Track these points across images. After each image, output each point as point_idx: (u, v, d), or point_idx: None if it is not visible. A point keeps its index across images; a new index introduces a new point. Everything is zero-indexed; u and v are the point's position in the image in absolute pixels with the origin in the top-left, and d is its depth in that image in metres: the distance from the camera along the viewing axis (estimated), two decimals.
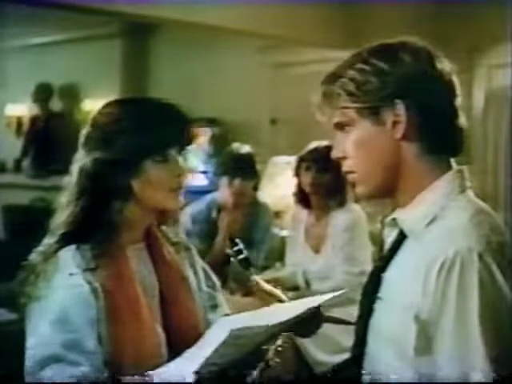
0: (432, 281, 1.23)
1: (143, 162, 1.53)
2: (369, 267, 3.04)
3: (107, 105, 1.62)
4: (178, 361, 1.51)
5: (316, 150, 3.36)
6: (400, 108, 1.31)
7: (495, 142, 4.86)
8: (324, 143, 3.37)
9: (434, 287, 1.23)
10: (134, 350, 1.52)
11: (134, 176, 1.53)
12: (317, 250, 3.39)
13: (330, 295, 1.76)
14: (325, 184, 3.33)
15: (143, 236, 1.64)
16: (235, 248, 3.28)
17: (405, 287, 1.29)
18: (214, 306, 1.75)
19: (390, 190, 1.38)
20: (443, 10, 4.62)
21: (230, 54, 6.13)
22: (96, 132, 1.56)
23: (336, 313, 3.20)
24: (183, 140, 1.59)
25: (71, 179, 1.57)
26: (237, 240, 3.30)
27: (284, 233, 4.24)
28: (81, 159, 1.56)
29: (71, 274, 1.51)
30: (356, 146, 1.35)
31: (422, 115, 1.32)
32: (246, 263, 3.26)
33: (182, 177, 1.57)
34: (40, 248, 1.57)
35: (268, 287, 3.25)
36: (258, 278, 3.28)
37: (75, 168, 1.57)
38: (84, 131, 1.59)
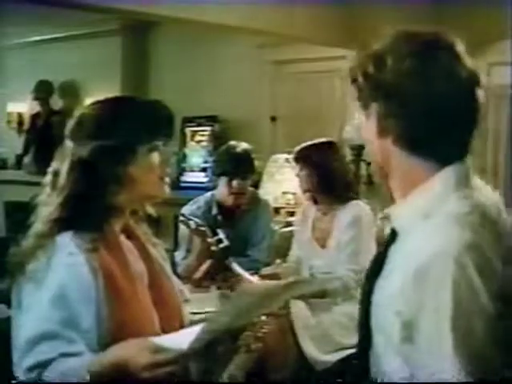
0: (409, 281, 1.23)
1: (138, 149, 1.64)
2: None
3: (96, 102, 1.74)
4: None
5: (296, 151, 3.47)
6: (373, 109, 1.34)
7: (495, 140, 4.86)
8: (308, 143, 3.44)
9: (410, 287, 1.22)
10: (134, 327, 1.57)
11: (131, 163, 1.64)
12: (323, 245, 3.42)
13: None
14: (313, 181, 3.37)
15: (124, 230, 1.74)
16: (216, 237, 3.31)
17: (390, 282, 1.30)
18: None
19: (386, 178, 1.39)
20: (443, 8, 4.62)
21: (230, 51, 6.14)
22: (89, 124, 1.65)
23: (338, 310, 3.22)
24: (169, 133, 1.73)
25: (61, 168, 1.66)
26: (218, 230, 3.33)
27: (289, 228, 4.26)
28: (73, 150, 1.65)
29: (70, 254, 1.55)
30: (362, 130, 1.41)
31: (396, 120, 1.31)
32: (227, 252, 3.29)
33: (167, 167, 1.72)
34: (31, 234, 1.61)
35: (250, 277, 3.28)
36: (239, 268, 3.31)
37: (66, 158, 1.65)
38: (73, 125, 1.68)
